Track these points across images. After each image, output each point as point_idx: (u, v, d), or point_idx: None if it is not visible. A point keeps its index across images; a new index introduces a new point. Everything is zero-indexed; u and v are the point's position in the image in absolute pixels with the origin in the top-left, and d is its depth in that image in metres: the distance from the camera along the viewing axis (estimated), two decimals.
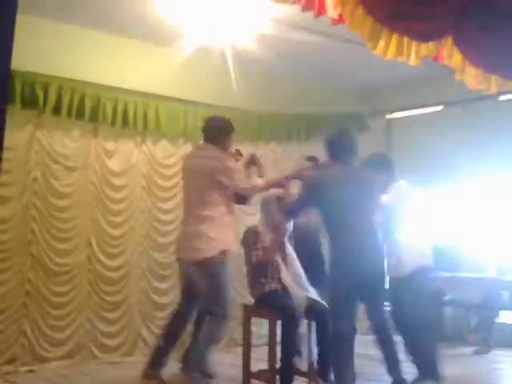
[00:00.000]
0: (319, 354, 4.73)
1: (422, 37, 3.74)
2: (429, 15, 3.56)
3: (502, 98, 6.74)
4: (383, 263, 4.40)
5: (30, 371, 5.50)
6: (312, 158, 5.42)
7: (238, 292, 6.92)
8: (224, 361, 6.05)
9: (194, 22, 5.56)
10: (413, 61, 3.87)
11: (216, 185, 4.56)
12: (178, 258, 4.87)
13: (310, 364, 4.86)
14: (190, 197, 4.73)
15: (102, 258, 6.07)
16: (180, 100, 6.53)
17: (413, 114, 7.95)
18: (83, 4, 5.41)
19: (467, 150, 7.05)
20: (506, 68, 4.10)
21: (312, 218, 4.92)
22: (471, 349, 6.63)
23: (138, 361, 5.83)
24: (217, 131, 4.83)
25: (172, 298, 6.28)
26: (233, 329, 6.78)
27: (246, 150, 7.10)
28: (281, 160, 7.39)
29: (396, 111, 8.15)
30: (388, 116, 8.22)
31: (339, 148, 4.44)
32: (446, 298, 7.42)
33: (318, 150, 7.30)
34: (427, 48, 3.84)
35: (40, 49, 5.62)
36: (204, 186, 4.58)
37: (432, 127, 7.49)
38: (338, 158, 4.42)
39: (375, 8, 3.49)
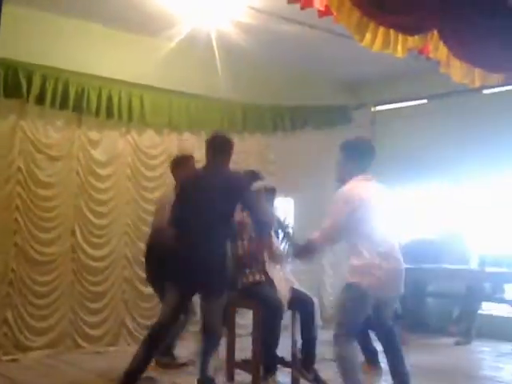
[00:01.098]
0: (303, 345, 4.76)
1: (408, 30, 3.76)
2: (414, 9, 3.57)
3: (486, 91, 6.79)
4: None
5: (13, 360, 5.49)
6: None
7: None
8: None
9: (179, 12, 5.54)
10: (399, 53, 3.89)
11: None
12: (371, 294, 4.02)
13: (294, 354, 4.89)
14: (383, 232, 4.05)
15: (86, 247, 6.05)
16: (165, 90, 6.50)
17: (398, 106, 7.99)
18: None
19: (451, 143, 7.10)
20: (489, 61, 4.13)
21: None
22: (453, 339, 6.69)
23: (122, 350, 5.86)
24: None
25: None
26: None
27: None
28: (266, 151, 7.41)
29: (381, 104, 8.17)
30: (373, 109, 8.24)
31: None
32: (429, 289, 7.50)
33: (303, 140, 7.45)
34: (413, 41, 3.86)
35: (24, 37, 5.57)
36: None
37: (416, 120, 7.54)
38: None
39: (361, 1, 3.50)
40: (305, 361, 4.75)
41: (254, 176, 4.93)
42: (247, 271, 4.88)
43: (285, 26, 5.90)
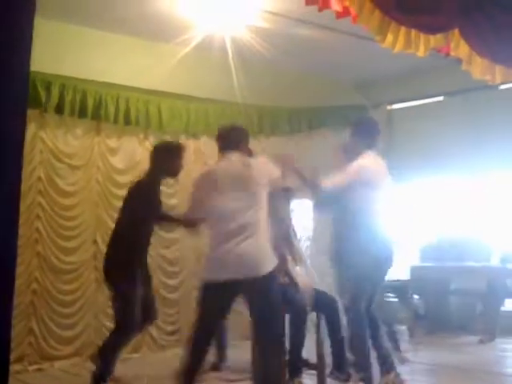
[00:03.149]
0: (333, 346, 4.75)
1: (430, 29, 3.75)
2: (436, 8, 3.56)
3: (503, 87, 6.75)
4: None
5: (39, 370, 5.52)
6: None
7: None
8: (235, 355, 6.08)
9: (194, 17, 5.55)
10: (421, 52, 3.87)
11: None
12: None
13: (319, 356, 4.87)
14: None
15: None
16: (182, 96, 6.52)
17: (414, 104, 7.95)
18: (83, 2, 5.39)
19: (468, 140, 7.06)
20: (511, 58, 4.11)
21: None
22: (476, 337, 6.64)
23: (145, 357, 5.86)
24: None
25: (181, 294, 6.33)
26: (242, 323, 6.82)
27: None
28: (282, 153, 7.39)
29: (397, 102, 8.14)
30: (389, 107, 8.21)
31: None
32: (451, 287, 7.46)
33: (319, 143, 7.43)
34: (435, 39, 3.85)
35: (41, 48, 5.46)
36: None
37: (433, 118, 7.51)
38: None
39: (383, 2, 3.49)
40: (336, 362, 4.74)
41: None
42: None
43: (299, 29, 5.91)
